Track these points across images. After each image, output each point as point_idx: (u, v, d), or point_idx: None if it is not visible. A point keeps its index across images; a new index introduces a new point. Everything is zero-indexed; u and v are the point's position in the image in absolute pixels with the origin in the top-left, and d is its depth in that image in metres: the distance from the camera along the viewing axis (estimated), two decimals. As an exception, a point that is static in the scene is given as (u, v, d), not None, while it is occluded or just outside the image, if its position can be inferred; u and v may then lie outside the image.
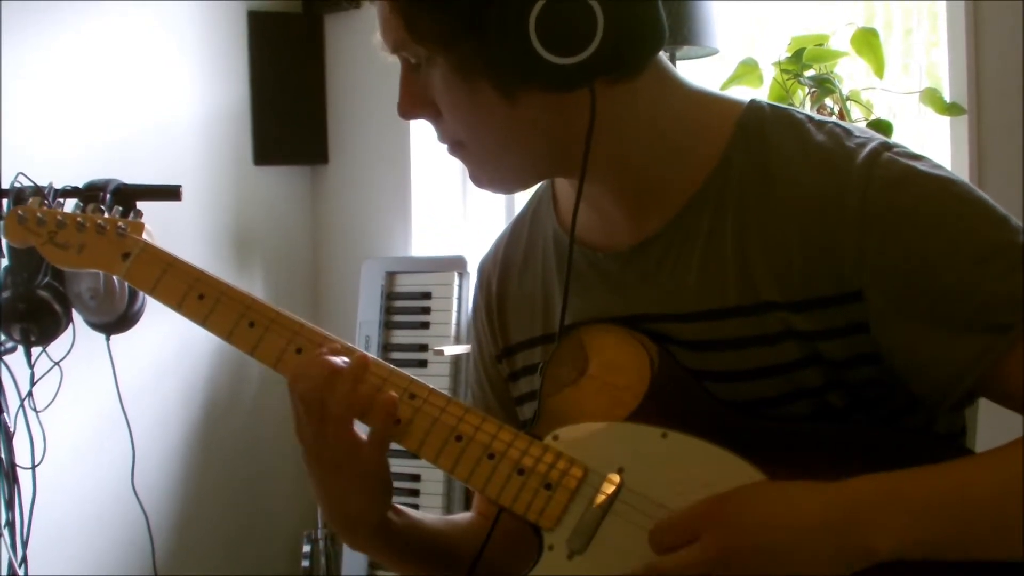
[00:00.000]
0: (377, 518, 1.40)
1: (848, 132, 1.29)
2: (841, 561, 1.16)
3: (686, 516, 1.21)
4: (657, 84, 1.31)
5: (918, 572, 1.17)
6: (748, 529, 1.18)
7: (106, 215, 1.54)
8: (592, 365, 1.34)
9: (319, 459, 1.35)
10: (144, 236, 1.52)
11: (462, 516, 1.59)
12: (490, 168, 1.35)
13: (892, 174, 1.23)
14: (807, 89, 2.82)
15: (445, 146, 1.36)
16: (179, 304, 1.46)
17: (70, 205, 1.59)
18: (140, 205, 1.60)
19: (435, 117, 1.33)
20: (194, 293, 1.46)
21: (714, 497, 1.21)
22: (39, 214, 1.55)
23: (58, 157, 3.26)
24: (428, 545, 1.48)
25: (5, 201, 2.62)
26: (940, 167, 1.26)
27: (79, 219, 1.54)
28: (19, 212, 1.55)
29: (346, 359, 1.35)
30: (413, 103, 1.33)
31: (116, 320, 2.78)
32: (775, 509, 1.19)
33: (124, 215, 1.54)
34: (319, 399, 1.32)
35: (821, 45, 2.85)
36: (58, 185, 2.65)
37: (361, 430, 1.35)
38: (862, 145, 1.26)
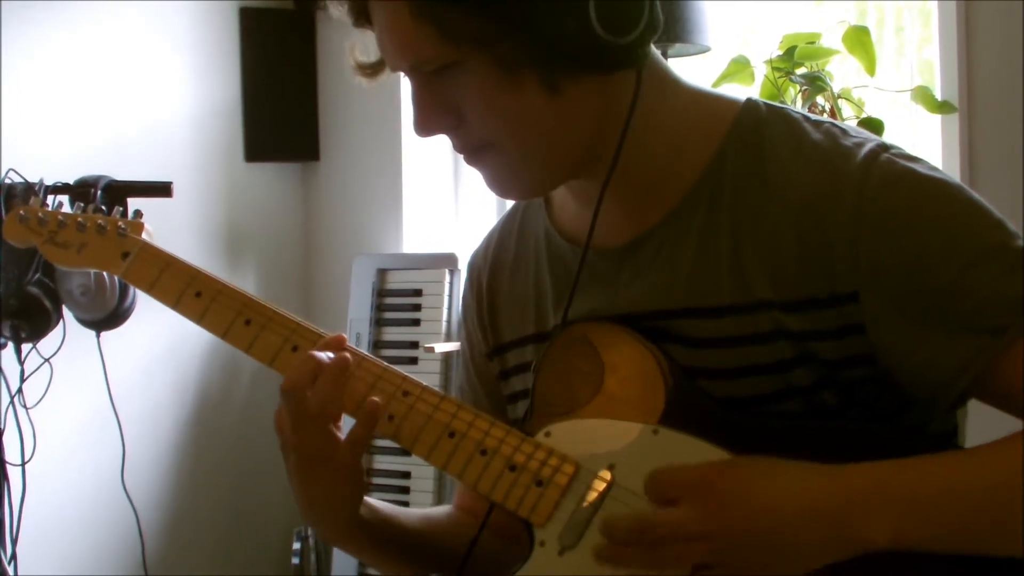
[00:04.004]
0: (347, 512, 1.39)
1: (845, 132, 1.29)
2: (834, 549, 1.17)
3: (685, 474, 1.21)
4: (658, 80, 1.31)
5: (913, 565, 1.17)
6: (741, 512, 1.18)
7: (107, 215, 1.55)
8: (607, 382, 1.33)
9: (295, 451, 1.35)
10: (143, 236, 1.53)
11: (440, 510, 1.59)
12: (520, 169, 1.31)
13: (889, 174, 1.23)
14: (799, 87, 2.83)
15: (463, 156, 1.33)
16: (176, 302, 1.46)
17: (63, 203, 1.60)
18: (135, 203, 1.60)
19: (455, 126, 1.29)
20: (191, 291, 1.46)
21: (716, 464, 1.21)
22: (40, 214, 1.56)
23: (49, 154, 3.26)
24: (404, 540, 1.48)
25: (-2, 198, 2.62)
26: (937, 169, 1.26)
27: (80, 219, 1.55)
28: (20, 212, 1.56)
29: (331, 355, 1.35)
30: (435, 115, 1.28)
31: (106, 317, 2.78)
32: (768, 494, 1.18)
33: (123, 215, 1.55)
34: (300, 393, 1.31)
35: (813, 43, 2.85)
36: (49, 182, 2.65)
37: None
38: (859, 145, 1.26)
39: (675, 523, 1.18)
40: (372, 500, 1.44)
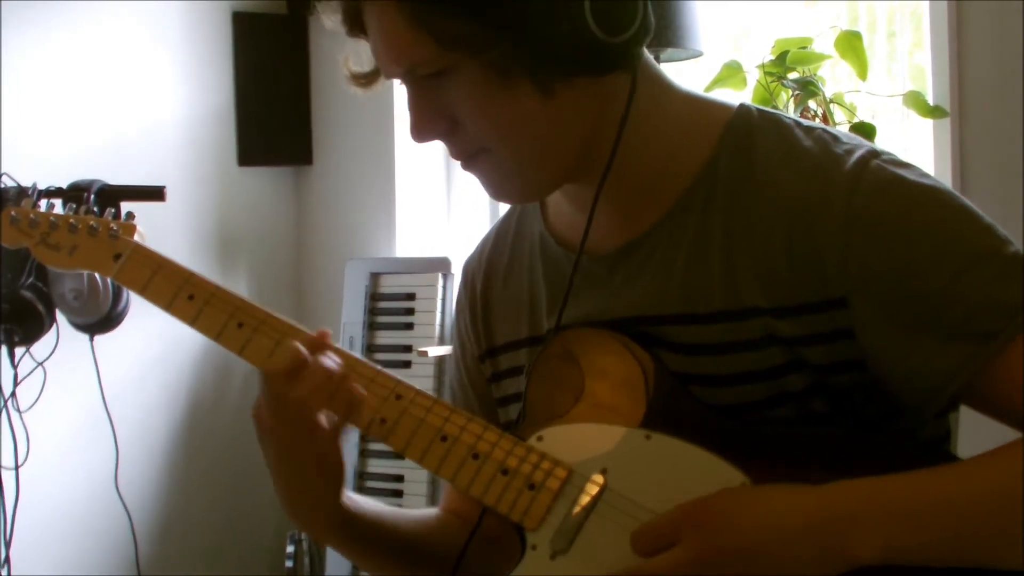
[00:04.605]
0: (330, 503, 1.39)
1: (836, 138, 1.29)
2: (823, 566, 1.16)
3: (667, 519, 1.21)
4: (652, 85, 1.31)
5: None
6: (729, 534, 1.18)
7: (99, 217, 1.54)
8: (587, 388, 1.33)
9: (272, 437, 1.35)
10: (136, 238, 1.52)
11: (428, 512, 1.59)
12: (515, 173, 1.31)
13: (879, 181, 1.23)
14: (791, 92, 2.83)
15: (459, 161, 1.33)
16: (169, 305, 1.45)
17: (55, 206, 1.59)
18: (128, 207, 1.59)
19: (451, 131, 1.29)
20: (184, 294, 1.45)
21: (696, 501, 1.21)
22: (32, 215, 1.55)
23: (42, 158, 3.25)
24: (394, 540, 1.48)
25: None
26: (927, 175, 1.26)
27: (72, 220, 1.54)
28: (12, 213, 1.55)
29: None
30: (431, 121, 1.28)
31: (100, 321, 2.78)
32: (757, 514, 1.18)
33: (116, 217, 1.55)
34: (282, 379, 1.30)
35: (805, 48, 2.85)
36: (42, 186, 2.65)
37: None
38: (850, 151, 1.26)
39: (671, 566, 1.18)
40: (361, 498, 1.44)
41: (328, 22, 1.32)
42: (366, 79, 1.38)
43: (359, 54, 1.36)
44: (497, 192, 1.35)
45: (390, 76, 1.31)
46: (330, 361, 1.33)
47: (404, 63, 1.25)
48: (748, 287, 1.26)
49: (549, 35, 1.19)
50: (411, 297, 3.54)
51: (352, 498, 1.42)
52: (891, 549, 1.15)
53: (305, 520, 1.42)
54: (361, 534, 1.44)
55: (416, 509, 1.60)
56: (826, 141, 1.29)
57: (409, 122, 1.30)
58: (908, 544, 1.15)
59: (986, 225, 1.22)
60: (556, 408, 1.34)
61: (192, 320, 1.45)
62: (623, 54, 1.23)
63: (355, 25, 1.30)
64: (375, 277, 3.61)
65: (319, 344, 1.36)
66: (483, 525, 1.36)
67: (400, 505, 3.36)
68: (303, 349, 1.32)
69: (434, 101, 1.27)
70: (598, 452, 1.29)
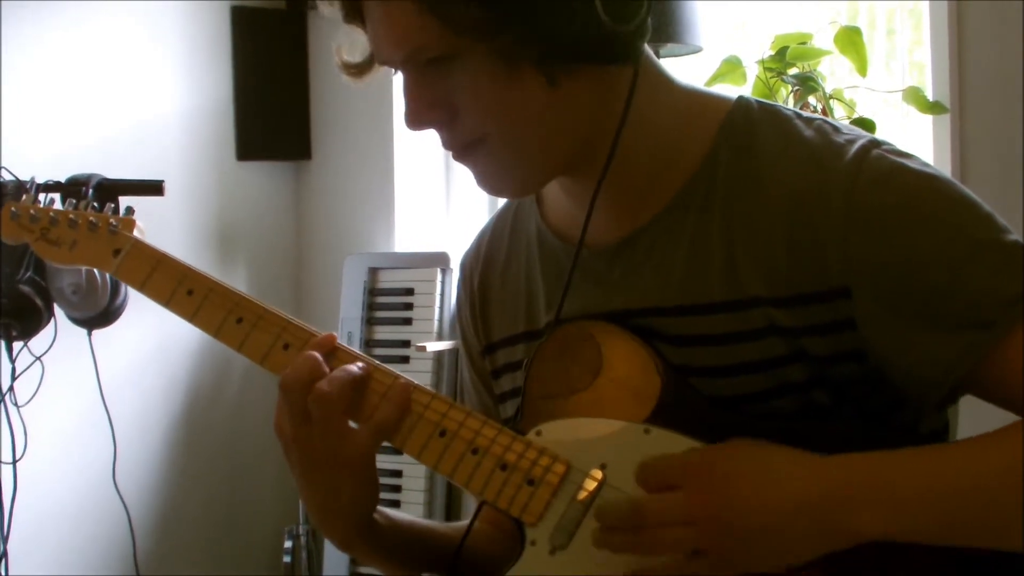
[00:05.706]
0: (365, 514, 1.38)
1: (836, 129, 1.29)
2: (825, 540, 1.17)
3: (679, 460, 1.22)
4: (651, 78, 1.31)
5: (907, 558, 1.18)
6: (732, 502, 1.18)
7: (98, 212, 1.54)
8: (605, 369, 1.33)
9: (297, 450, 1.34)
10: (135, 233, 1.52)
11: (459, 524, 1.57)
12: (510, 165, 1.30)
13: (879, 171, 1.23)
14: (790, 87, 2.83)
15: (452, 152, 1.31)
16: (168, 300, 1.46)
17: (54, 200, 1.59)
18: (127, 201, 1.59)
19: (447, 120, 1.27)
20: (183, 289, 1.45)
21: (705, 454, 1.22)
22: (32, 211, 1.55)
23: (41, 152, 3.25)
24: (424, 546, 1.47)
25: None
26: (928, 165, 1.26)
27: (71, 216, 1.54)
28: (12, 209, 1.55)
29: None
30: (427, 108, 1.26)
31: (98, 315, 2.78)
32: (760, 487, 1.18)
33: (115, 212, 1.55)
34: (300, 389, 1.31)
35: (804, 43, 2.85)
36: (41, 180, 2.65)
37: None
38: (851, 142, 1.26)
39: (669, 507, 1.18)
40: (390, 510, 1.43)
41: (325, 9, 1.31)
42: (358, 69, 1.37)
43: (353, 44, 1.35)
44: (490, 185, 1.33)
45: (387, 63, 1.30)
46: (353, 368, 1.34)
47: (407, 47, 1.23)
48: (749, 278, 1.26)
49: (558, 23, 1.18)
50: (410, 292, 3.53)
51: (381, 511, 1.41)
52: (892, 528, 1.15)
53: (334, 531, 1.40)
54: (392, 545, 1.43)
55: (453, 523, 1.59)
56: (826, 132, 1.28)
57: (404, 109, 1.28)
58: (910, 524, 1.16)
59: (985, 214, 1.23)
60: (564, 400, 1.33)
61: (191, 316, 1.45)
62: (628, 45, 1.22)
63: (352, 11, 1.29)
64: (373, 272, 3.61)
65: (327, 347, 1.36)
66: (501, 521, 1.35)
67: (398, 501, 3.37)
68: (319, 357, 1.33)
69: (433, 87, 1.25)
70: (597, 447, 1.29)
